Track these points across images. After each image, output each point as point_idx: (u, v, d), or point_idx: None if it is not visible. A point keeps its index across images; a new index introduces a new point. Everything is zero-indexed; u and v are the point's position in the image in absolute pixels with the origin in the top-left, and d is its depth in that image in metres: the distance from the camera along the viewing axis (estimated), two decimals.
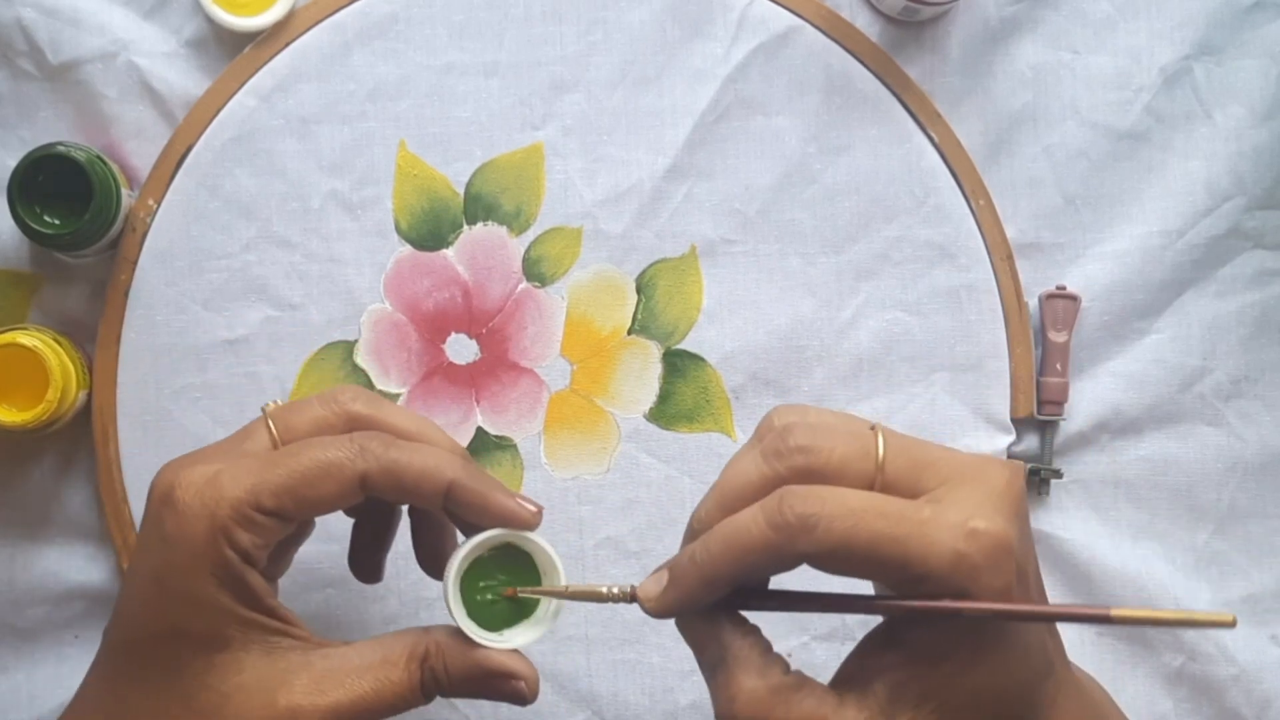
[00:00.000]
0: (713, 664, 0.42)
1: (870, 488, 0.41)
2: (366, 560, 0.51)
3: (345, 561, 0.57)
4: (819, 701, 0.41)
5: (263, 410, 0.46)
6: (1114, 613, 0.39)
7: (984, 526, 0.39)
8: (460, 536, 0.47)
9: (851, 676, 0.42)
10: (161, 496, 0.43)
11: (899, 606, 0.41)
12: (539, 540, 0.45)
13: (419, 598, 0.58)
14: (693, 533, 0.43)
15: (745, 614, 0.43)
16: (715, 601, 0.42)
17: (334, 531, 0.58)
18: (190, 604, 0.42)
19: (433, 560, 0.49)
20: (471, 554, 0.45)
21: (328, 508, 0.44)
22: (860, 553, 0.39)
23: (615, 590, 0.44)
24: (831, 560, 0.40)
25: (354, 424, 0.46)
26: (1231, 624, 0.37)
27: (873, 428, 0.42)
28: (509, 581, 0.45)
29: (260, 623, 0.43)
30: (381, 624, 0.58)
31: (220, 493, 0.42)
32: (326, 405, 0.46)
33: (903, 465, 0.41)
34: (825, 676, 0.58)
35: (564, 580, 0.45)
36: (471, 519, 0.45)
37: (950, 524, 0.39)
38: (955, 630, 0.40)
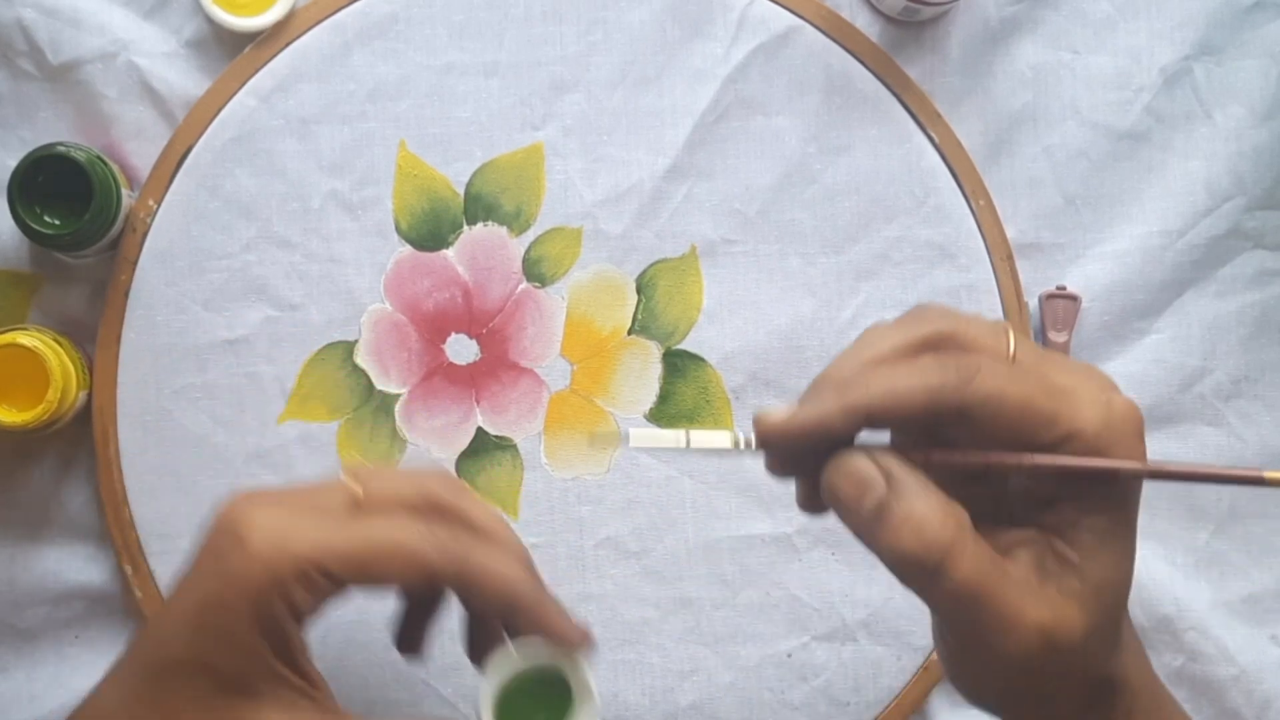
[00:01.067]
0: (877, 505, 0.38)
1: None
2: (412, 635, 0.50)
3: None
4: (990, 548, 0.39)
5: (342, 467, 0.46)
6: (1268, 474, 0.38)
7: (1121, 400, 0.39)
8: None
9: (1000, 544, 0.40)
10: (227, 529, 0.42)
11: (1074, 465, 0.39)
12: (582, 668, 0.44)
13: None
14: (820, 384, 0.40)
15: None
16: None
17: None
18: (229, 644, 0.42)
19: (477, 650, 0.48)
20: (511, 670, 0.44)
21: (387, 586, 0.43)
22: (1013, 405, 0.38)
23: (741, 437, 0.41)
24: (984, 410, 0.38)
25: (434, 509, 0.45)
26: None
27: (1005, 325, 0.41)
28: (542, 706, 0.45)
29: (290, 680, 0.43)
30: (382, 624, 0.57)
31: (287, 544, 0.42)
32: (412, 483, 0.45)
33: (1031, 357, 0.40)
34: (825, 676, 0.58)
35: (598, 707, 0.44)
36: (522, 632, 0.44)
37: (1092, 394, 0.39)
38: (1089, 511, 0.39)
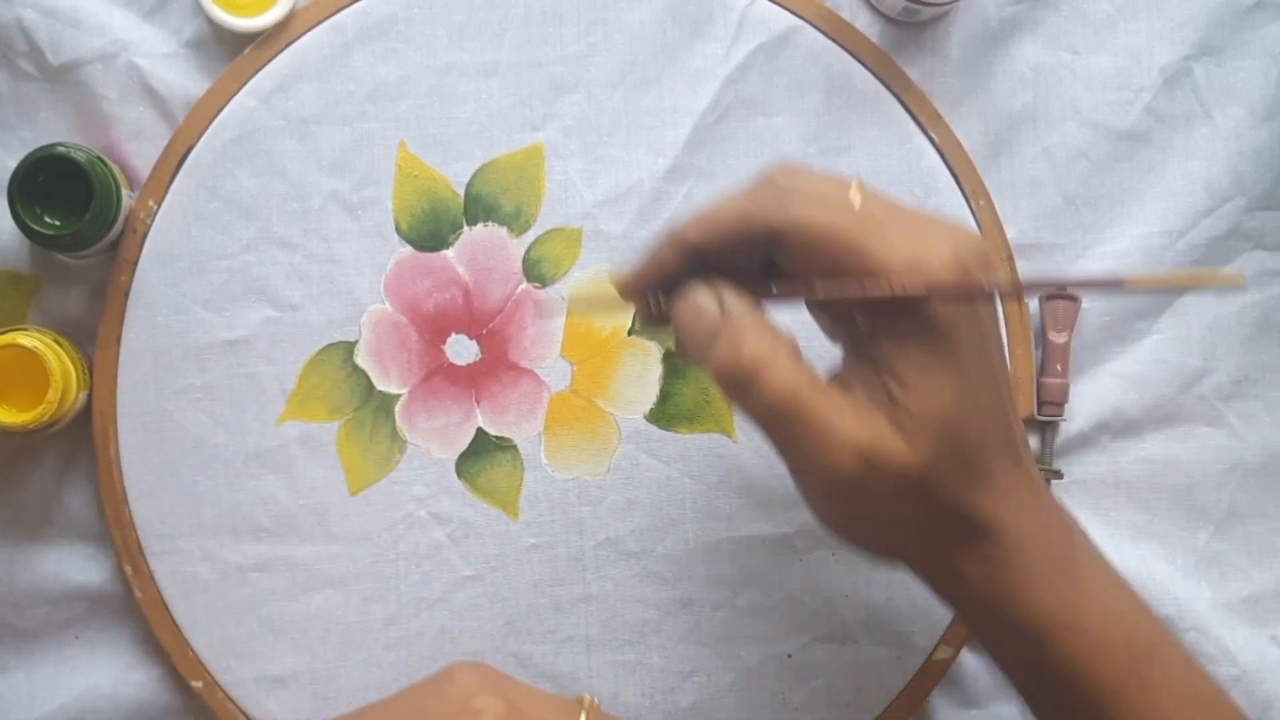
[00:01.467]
0: (710, 330, 0.43)
1: None
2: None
3: (345, 562, 0.58)
4: (812, 372, 0.42)
5: (581, 703, 0.49)
6: (1130, 280, 0.38)
7: (946, 248, 0.41)
8: None
9: (836, 373, 0.44)
10: (461, 702, 0.47)
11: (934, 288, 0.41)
12: None
13: (419, 598, 0.58)
14: (660, 236, 0.45)
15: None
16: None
17: (335, 531, 0.58)
18: None
19: None
20: None
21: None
22: (820, 234, 0.42)
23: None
24: (794, 239, 0.42)
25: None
26: (1242, 284, 0.36)
27: (858, 179, 0.44)
28: None
29: None
30: (382, 624, 0.58)
31: None
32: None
33: (878, 208, 0.43)
34: (826, 677, 0.58)
35: None
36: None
37: (911, 239, 0.41)
38: (905, 345, 0.42)
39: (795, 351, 0.42)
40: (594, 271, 0.58)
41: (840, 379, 0.43)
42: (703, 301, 0.43)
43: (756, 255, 0.44)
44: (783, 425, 0.43)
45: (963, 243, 0.42)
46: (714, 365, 0.42)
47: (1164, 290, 0.36)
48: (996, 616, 0.45)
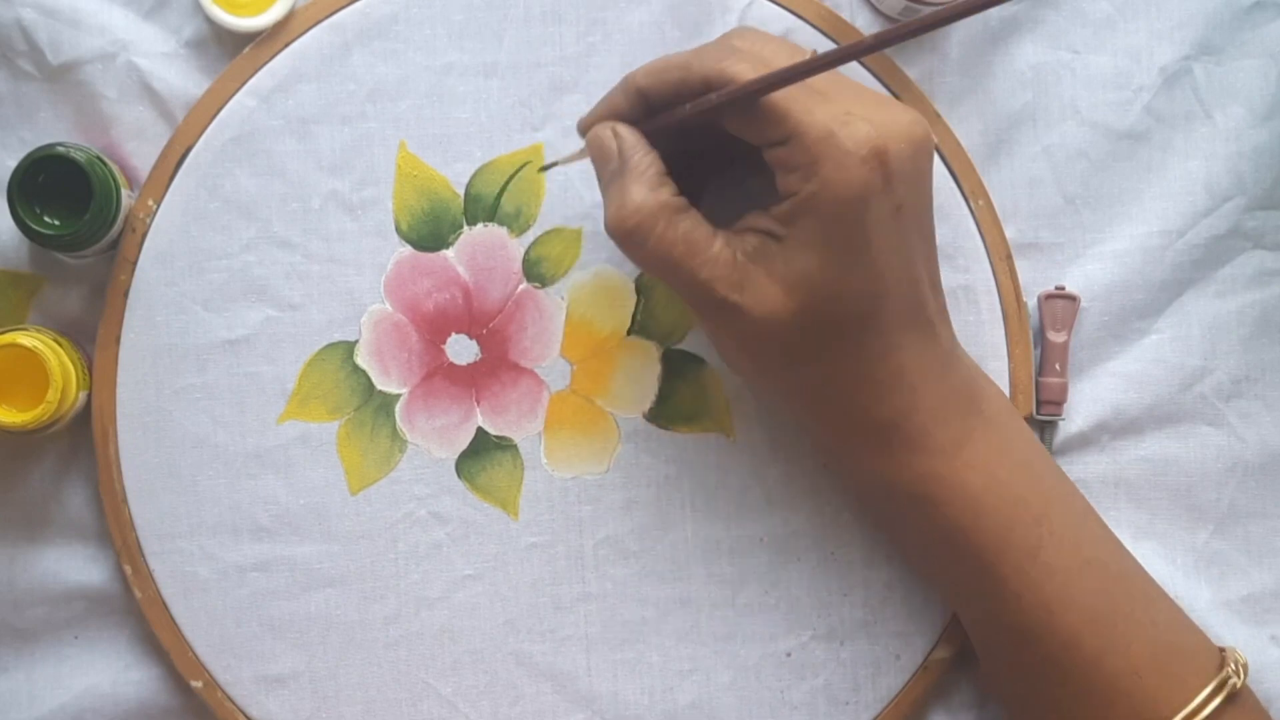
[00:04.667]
0: (611, 175, 0.48)
1: None
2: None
3: (345, 561, 0.58)
4: (695, 226, 0.47)
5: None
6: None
7: (866, 126, 0.44)
8: None
9: (735, 228, 0.48)
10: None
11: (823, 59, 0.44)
12: None
13: (420, 598, 0.58)
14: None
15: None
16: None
17: (335, 531, 0.58)
18: None
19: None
20: None
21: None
22: (750, 90, 0.45)
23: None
24: (727, 96, 0.45)
25: None
26: None
27: (813, 52, 0.46)
28: None
29: None
30: (382, 623, 0.58)
31: None
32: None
33: (818, 82, 0.46)
34: (824, 675, 0.58)
35: None
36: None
37: (837, 114, 0.45)
38: (814, 209, 0.45)
39: (675, 207, 0.47)
40: (594, 271, 0.58)
41: (737, 226, 0.48)
42: (605, 141, 0.48)
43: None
44: (666, 278, 0.48)
45: (893, 124, 0.45)
46: (605, 222, 0.47)
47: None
48: (884, 477, 0.50)
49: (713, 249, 0.47)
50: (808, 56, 0.46)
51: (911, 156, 0.46)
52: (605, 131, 0.48)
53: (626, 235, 0.47)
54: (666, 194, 0.47)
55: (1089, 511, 0.53)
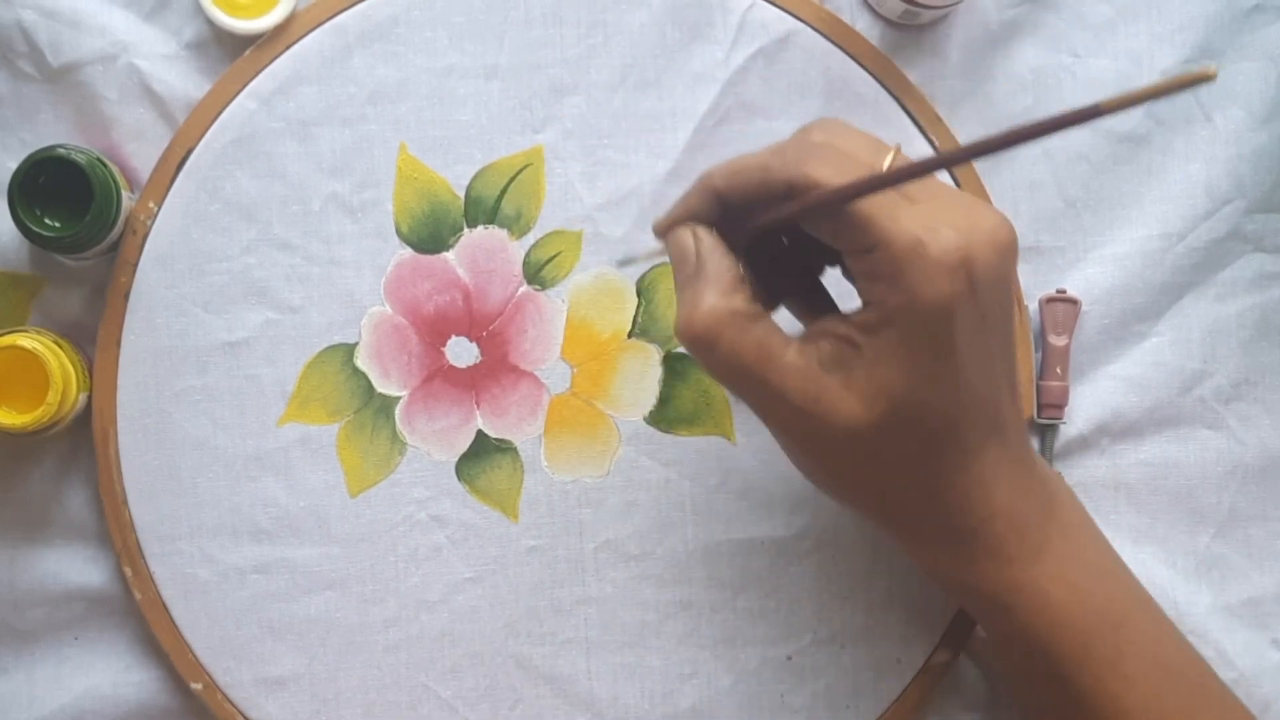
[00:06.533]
0: (686, 279, 0.46)
1: None
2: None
3: (345, 564, 0.58)
4: (768, 333, 0.45)
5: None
6: (1103, 103, 0.36)
7: (953, 234, 0.42)
8: None
9: (809, 334, 0.46)
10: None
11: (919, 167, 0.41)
12: None
13: (419, 600, 0.58)
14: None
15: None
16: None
17: (335, 533, 0.58)
18: None
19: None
20: None
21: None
22: (833, 201, 0.43)
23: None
24: (809, 203, 0.43)
25: None
26: (1212, 77, 0.35)
27: (896, 146, 0.44)
28: None
29: None
30: (382, 626, 0.58)
31: None
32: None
33: (907, 185, 0.43)
34: (825, 679, 0.58)
35: None
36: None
37: (923, 220, 0.42)
38: (899, 320, 0.43)
39: (749, 314, 0.45)
40: (595, 274, 0.58)
41: (811, 332, 0.46)
42: (684, 244, 0.46)
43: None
44: (735, 386, 0.46)
45: (978, 229, 0.43)
46: (676, 325, 0.45)
47: (1138, 102, 0.35)
48: (962, 582, 0.48)
49: (786, 357, 0.44)
50: (890, 150, 0.44)
51: (998, 265, 0.43)
52: (685, 235, 0.46)
53: (695, 339, 0.45)
54: (740, 300, 0.45)
55: (1161, 614, 0.52)
